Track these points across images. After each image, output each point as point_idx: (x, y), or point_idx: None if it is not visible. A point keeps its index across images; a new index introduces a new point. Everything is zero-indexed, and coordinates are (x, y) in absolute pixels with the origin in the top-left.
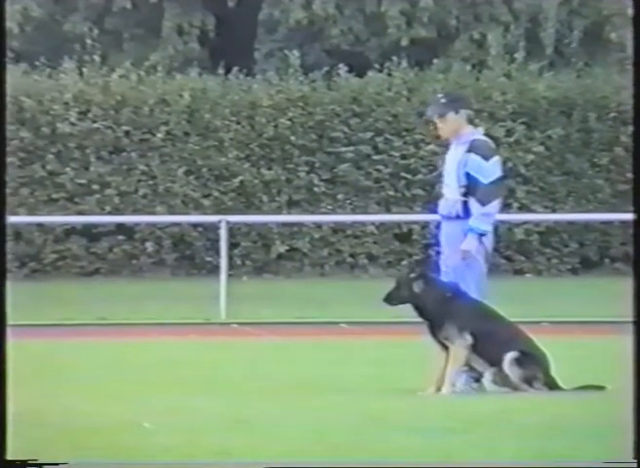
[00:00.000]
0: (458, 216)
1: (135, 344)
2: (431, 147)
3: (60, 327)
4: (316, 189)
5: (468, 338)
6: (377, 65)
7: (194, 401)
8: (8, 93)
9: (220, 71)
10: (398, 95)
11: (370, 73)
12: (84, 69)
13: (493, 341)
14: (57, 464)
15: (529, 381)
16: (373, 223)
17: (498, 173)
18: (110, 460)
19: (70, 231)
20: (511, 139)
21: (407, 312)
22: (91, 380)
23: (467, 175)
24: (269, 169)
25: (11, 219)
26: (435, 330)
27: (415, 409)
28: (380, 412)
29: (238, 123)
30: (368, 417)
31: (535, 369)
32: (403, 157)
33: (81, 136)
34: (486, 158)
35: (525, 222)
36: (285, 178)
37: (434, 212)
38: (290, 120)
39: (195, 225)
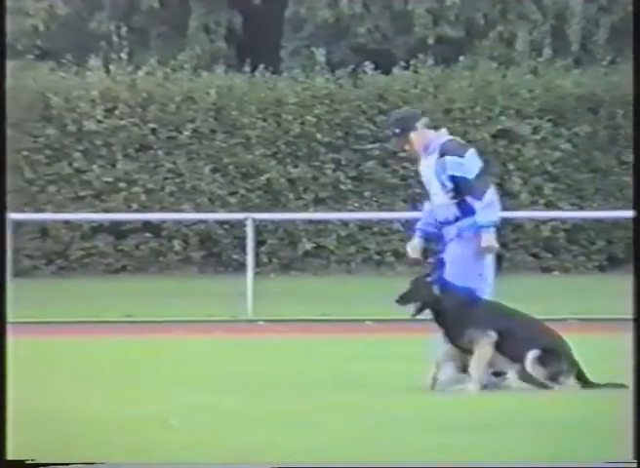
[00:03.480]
0: (456, 219)
1: (161, 341)
2: None
3: (86, 324)
4: (342, 187)
5: (493, 335)
6: (403, 63)
7: (220, 398)
8: (35, 90)
9: (247, 69)
10: (424, 92)
11: (396, 71)
12: (110, 67)
13: (514, 340)
14: (57, 464)
15: (554, 378)
16: (399, 221)
17: (478, 164)
18: (111, 460)
19: (97, 228)
20: (538, 137)
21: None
22: (117, 377)
23: (452, 177)
24: (295, 166)
25: (38, 217)
26: (456, 335)
27: (440, 406)
28: (404, 409)
29: (264, 120)
30: (391, 415)
31: (558, 365)
32: None
33: (107, 133)
34: (461, 155)
35: (552, 220)
36: (311, 176)
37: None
38: (316, 117)
39: (222, 223)
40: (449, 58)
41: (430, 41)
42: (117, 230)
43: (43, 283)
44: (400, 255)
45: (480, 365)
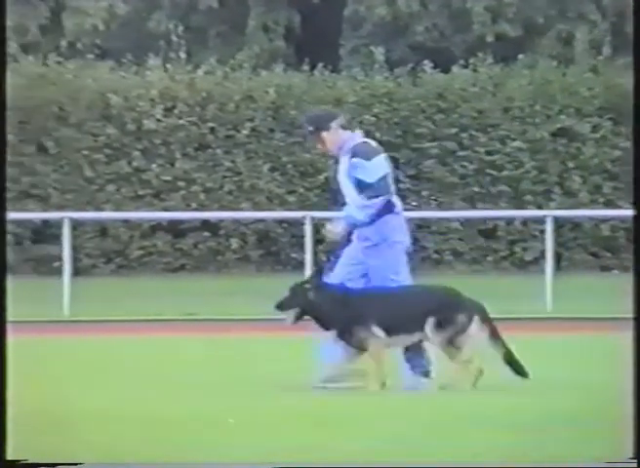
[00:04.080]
0: (372, 221)
1: (221, 340)
2: (517, 143)
3: (145, 322)
4: (401, 185)
5: (379, 332)
6: (462, 61)
7: (278, 397)
8: (95, 89)
9: (306, 67)
10: (483, 90)
11: (455, 69)
12: (170, 66)
13: (407, 317)
14: (57, 464)
15: (452, 341)
16: (458, 220)
17: (382, 171)
18: (112, 460)
19: (156, 227)
20: (598, 135)
21: (497, 309)
22: (177, 375)
23: (355, 179)
24: None
25: (97, 216)
26: (345, 337)
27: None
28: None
29: None
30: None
31: (454, 326)
32: (488, 153)
33: (167, 132)
34: (368, 158)
35: (611, 219)
36: None
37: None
38: (375, 116)
39: (280, 221)
40: (508, 57)
41: (489, 39)
42: (176, 229)
43: (102, 281)
44: (459, 254)
45: (375, 363)
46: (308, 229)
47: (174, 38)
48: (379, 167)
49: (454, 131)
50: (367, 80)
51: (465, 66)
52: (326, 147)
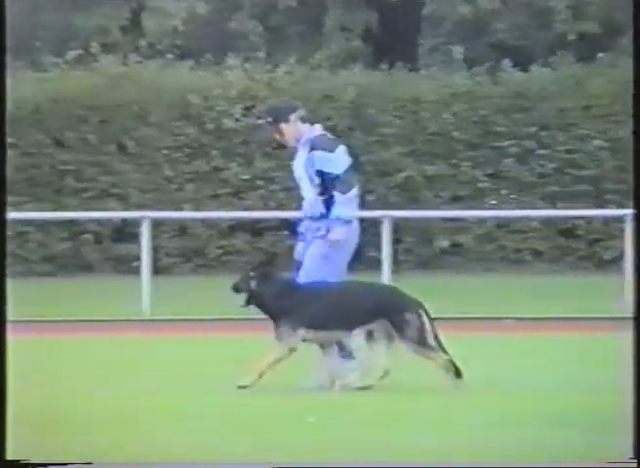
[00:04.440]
0: (322, 215)
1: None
2: (598, 142)
3: (225, 321)
4: (480, 184)
5: (301, 333)
6: (542, 60)
7: (362, 396)
8: (174, 89)
9: (384, 67)
10: (564, 89)
11: (535, 68)
12: (249, 65)
13: (349, 314)
14: (57, 464)
15: (422, 342)
16: (537, 219)
17: (347, 160)
18: (113, 460)
19: (235, 227)
20: None
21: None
22: (245, 373)
23: (320, 172)
24: (433, 164)
25: (177, 215)
26: (276, 331)
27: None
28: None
29: (401, 118)
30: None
31: (415, 328)
32: (568, 152)
33: (246, 131)
34: (331, 150)
35: None
36: (448, 174)
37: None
38: (454, 115)
39: (358, 220)
40: (589, 55)
41: (570, 37)
42: (254, 228)
43: (182, 280)
44: (538, 254)
45: (269, 362)
46: (387, 228)
47: (253, 37)
48: (342, 157)
49: (533, 129)
50: (446, 79)
51: (546, 65)
52: (284, 139)
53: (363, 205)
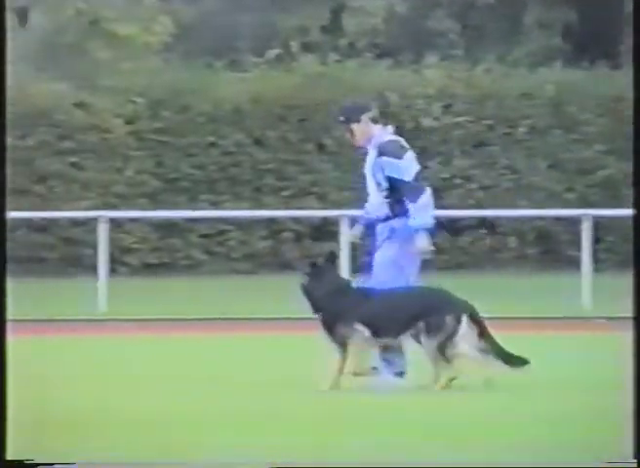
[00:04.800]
0: (387, 217)
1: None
2: None
3: None
4: None
5: (361, 329)
6: None
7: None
8: (372, 87)
9: (585, 64)
10: None
11: None
12: (447, 64)
13: (394, 318)
14: (56, 464)
15: (444, 346)
16: None
17: (415, 168)
18: (113, 460)
19: (436, 225)
20: None
21: None
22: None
23: (389, 178)
24: None
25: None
26: (328, 328)
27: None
28: None
29: (602, 116)
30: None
31: (444, 330)
32: None
33: (444, 130)
34: (399, 157)
35: None
36: None
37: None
38: None
39: (558, 219)
40: None
41: None
42: (454, 226)
43: None
44: None
45: (352, 364)
46: (587, 227)
47: (452, 36)
48: (411, 164)
49: None
50: None
51: None
52: (354, 138)
53: (562, 203)
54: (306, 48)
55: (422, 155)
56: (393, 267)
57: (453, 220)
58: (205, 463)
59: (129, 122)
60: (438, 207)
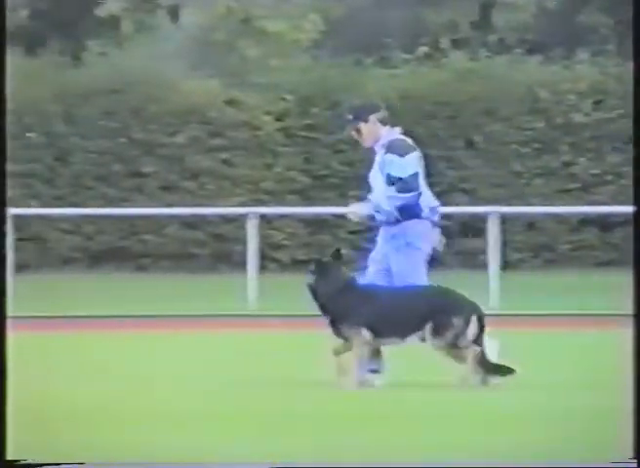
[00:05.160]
0: (397, 220)
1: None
2: None
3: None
4: None
5: (365, 334)
6: None
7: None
8: (523, 83)
9: None
10: None
11: None
12: (599, 59)
13: (401, 319)
14: (58, 464)
15: (454, 344)
16: None
17: (415, 168)
18: (114, 460)
19: (585, 221)
20: None
21: None
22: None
23: (389, 175)
24: None
25: (525, 210)
26: (335, 327)
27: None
28: None
29: None
30: None
31: (452, 329)
32: None
33: (596, 126)
34: (401, 155)
35: None
36: None
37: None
38: None
39: None
40: None
41: None
42: (605, 222)
43: (529, 276)
44: None
45: (356, 362)
46: None
47: (603, 31)
48: (411, 164)
49: None
50: None
51: None
52: (361, 138)
53: None
54: (456, 44)
55: (573, 151)
56: (412, 267)
57: (604, 216)
58: (205, 463)
59: (279, 119)
60: (589, 203)
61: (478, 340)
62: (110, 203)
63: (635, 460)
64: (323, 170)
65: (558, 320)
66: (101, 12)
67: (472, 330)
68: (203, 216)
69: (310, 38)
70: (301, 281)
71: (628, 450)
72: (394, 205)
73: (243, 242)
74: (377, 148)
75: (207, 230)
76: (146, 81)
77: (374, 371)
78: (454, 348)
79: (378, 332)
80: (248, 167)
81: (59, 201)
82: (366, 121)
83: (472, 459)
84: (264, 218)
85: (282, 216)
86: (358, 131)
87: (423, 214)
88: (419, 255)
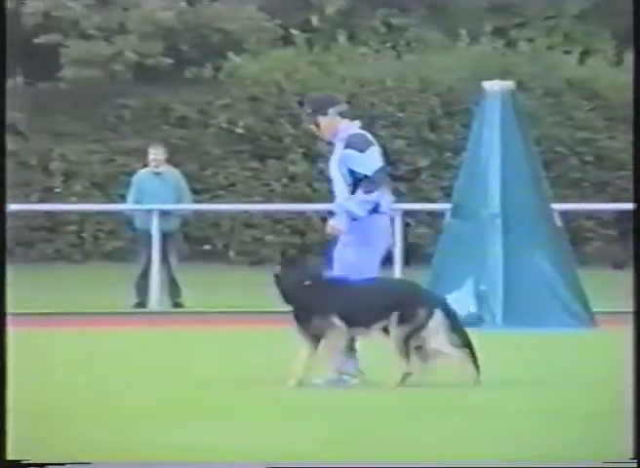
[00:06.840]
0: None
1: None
2: None
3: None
4: None
5: (338, 323)
6: None
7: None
8: None
9: None
10: None
11: None
12: None
13: (369, 311)
14: (58, 464)
15: (413, 334)
16: None
17: (378, 162)
18: (113, 460)
19: None
20: None
21: None
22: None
23: (351, 171)
24: None
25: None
26: (302, 323)
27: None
28: None
29: None
30: None
31: (414, 320)
32: None
33: None
34: (361, 150)
35: None
36: None
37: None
38: None
39: None
40: None
41: None
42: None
43: None
44: None
45: (334, 356)
46: None
47: None
48: (374, 159)
49: None
50: None
51: None
52: (320, 131)
53: None
54: None
55: None
56: (357, 259)
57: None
58: (205, 463)
59: None
60: None
61: (446, 334)
62: None
63: (635, 460)
64: None
65: None
66: None
67: (435, 322)
68: None
69: None
70: None
71: (628, 450)
72: (366, 209)
73: None
74: (335, 141)
75: None
76: None
77: (349, 374)
78: (412, 340)
79: (346, 322)
80: None
81: None
82: (325, 114)
83: (472, 459)
84: None
85: None
86: (317, 124)
87: (381, 209)
88: (373, 253)
